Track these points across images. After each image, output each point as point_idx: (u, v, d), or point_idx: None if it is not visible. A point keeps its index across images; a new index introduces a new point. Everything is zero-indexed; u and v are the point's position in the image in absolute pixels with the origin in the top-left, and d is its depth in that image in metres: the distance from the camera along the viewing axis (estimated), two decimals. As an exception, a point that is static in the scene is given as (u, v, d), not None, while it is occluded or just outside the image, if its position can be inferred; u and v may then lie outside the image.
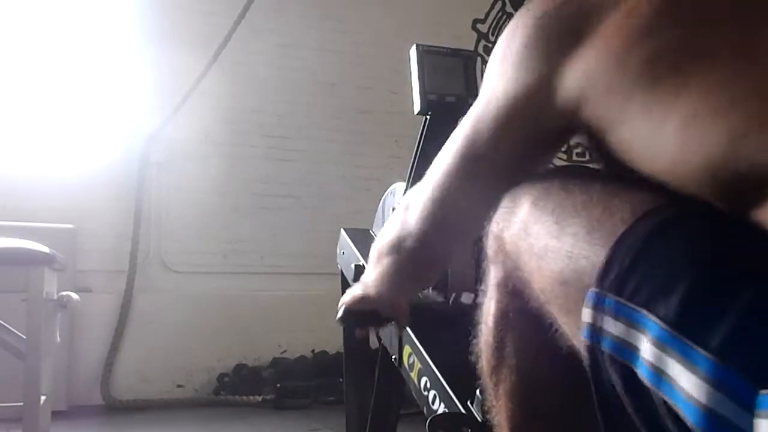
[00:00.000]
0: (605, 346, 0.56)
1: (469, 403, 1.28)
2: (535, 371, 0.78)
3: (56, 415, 2.46)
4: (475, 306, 0.89)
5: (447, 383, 1.37)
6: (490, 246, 0.78)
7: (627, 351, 0.54)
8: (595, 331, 0.57)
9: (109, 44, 3.78)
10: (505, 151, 0.80)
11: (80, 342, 3.43)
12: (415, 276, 1.03)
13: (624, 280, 0.55)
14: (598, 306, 0.57)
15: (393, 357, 1.59)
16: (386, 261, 0.99)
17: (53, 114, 3.72)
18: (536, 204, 0.70)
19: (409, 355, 1.52)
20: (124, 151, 3.76)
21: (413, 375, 1.49)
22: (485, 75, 0.83)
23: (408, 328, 1.54)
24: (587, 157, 4.02)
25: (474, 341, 0.88)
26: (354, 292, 1.08)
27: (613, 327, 0.55)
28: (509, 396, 0.80)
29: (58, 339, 2.07)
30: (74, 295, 2.07)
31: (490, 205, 0.78)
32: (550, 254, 0.65)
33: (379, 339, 1.71)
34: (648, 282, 0.53)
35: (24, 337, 1.87)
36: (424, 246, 0.93)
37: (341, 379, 1.96)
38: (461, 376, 1.40)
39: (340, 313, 1.08)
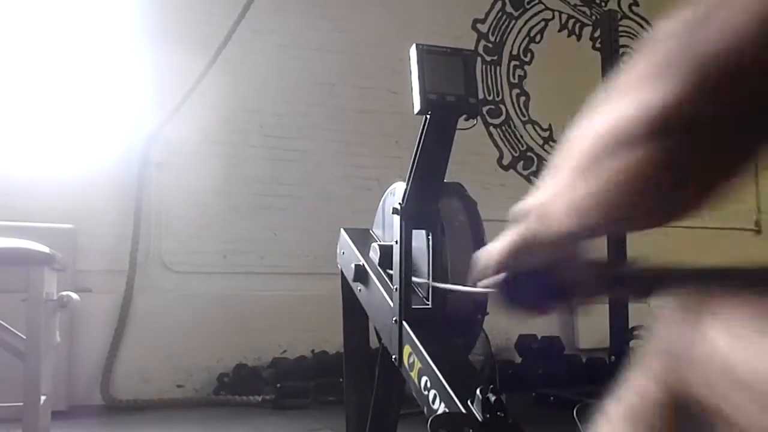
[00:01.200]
0: None
1: (469, 402, 1.28)
2: None
3: (56, 415, 2.46)
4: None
5: (447, 383, 1.37)
6: (653, 363, 0.57)
7: None
8: None
9: (110, 44, 3.78)
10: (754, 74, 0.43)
11: (80, 342, 3.43)
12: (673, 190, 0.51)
13: None
14: None
15: (393, 357, 1.59)
16: (619, 161, 0.50)
17: (53, 114, 3.72)
18: (739, 315, 0.50)
19: (409, 355, 1.52)
20: (124, 151, 3.77)
21: (413, 375, 1.49)
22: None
23: (408, 328, 1.54)
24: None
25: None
26: (528, 227, 0.65)
27: None
28: None
29: (59, 339, 2.07)
30: (74, 295, 2.07)
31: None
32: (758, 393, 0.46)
33: (379, 339, 1.71)
34: None
35: (24, 337, 1.87)
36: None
37: (341, 379, 1.95)
38: (461, 376, 1.41)
39: (493, 279, 0.70)
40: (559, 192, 0.58)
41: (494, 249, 0.69)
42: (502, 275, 0.67)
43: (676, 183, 0.49)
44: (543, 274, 0.66)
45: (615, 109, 0.50)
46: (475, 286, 0.72)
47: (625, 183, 0.50)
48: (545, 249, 0.64)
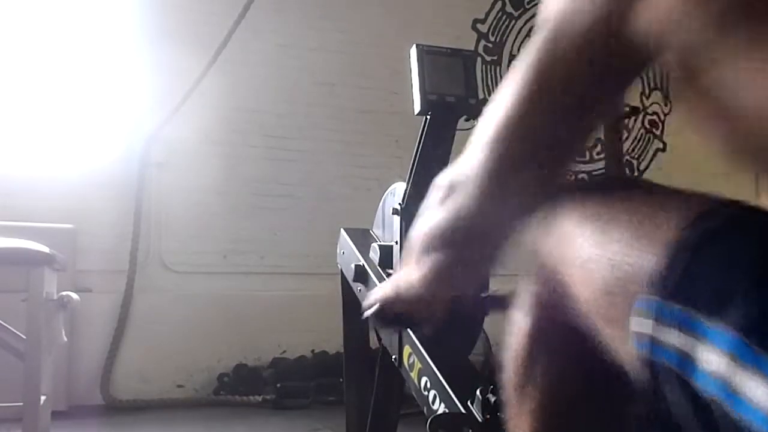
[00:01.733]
0: (662, 357, 0.52)
1: (469, 403, 1.28)
2: (566, 390, 0.72)
3: (56, 415, 2.46)
4: (497, 302, 0.85)
5: (447, 383, 1.37)
6: (527, 254, 0.73)
7: (686, 362, 0.49)
8: (649, 341, 0.52)
9: (109, 44, 3.79)
10: (580, 79, 0.65)
11: (80, 342, 3.43)
12: (471, 271, 0.85)
13: (681, 285, 0.50)
14: (651, 314, 0.52)
15: (393, 357, 1.59)
16: (432, 259, 0.81)
17: (53, 114, 3.72)
18: (577, 213, 0.65)
19: (409, 355, 1.52)
20: (124, 151, 3.77)
21: (413, 375, 1.49)
22: (542, 7, 0.69)
23: (408, 328, 1.54)
24: (587, 158, 4.00)
25: (498, 351, 0.83)
26: (387, 291, 0.95)
27: (669, 336, 0.50)
28: (534, 414, 0.74)
29: (65, 338, 2.07)
30: (74, 295, 2.07)
31: (563, 156, 0.69)
32: (594, 263, 0.60)
33: (379, 339, 1.71)
34: (711, 287, 0.49)
35: (24, 337, 1.87)
36: (481, 233, 0.75)
37: (341, 379, 1.95)
38: (461, 376, 1.41)
39: (372, 311, 0.98)
40: (409, 270, 0.86)
41: (376, 296, 0.99)
42: (375, 310, 0.99)
43: (461, 272, 0.82)
44: (401, 312, 0.98)
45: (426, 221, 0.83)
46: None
47: (439, 271, 0.81)
48: (403, 302, 0.93)
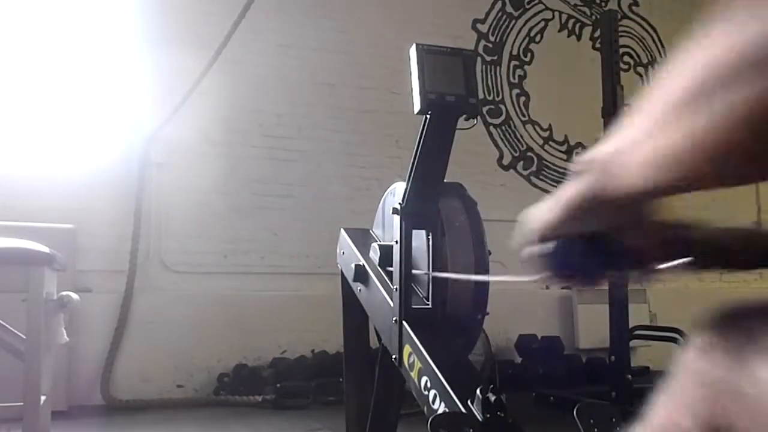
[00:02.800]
0: None
1: (469, 402, 1.28)
2: None
3: (56, 415, 2.46)
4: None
5: (447, 383, 1.37)
6: (687, 378, 0.51)
7: None
8: None
9: (110, 45, 3.78)
10: None
11: (80, 342, 3.43)
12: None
13: None
14: None
15: (393, 357, 1.59)
16: (726, 100, 0.40)
17: (53, 114, 3.72)
18: None
19: (409, 355, 1.52)
20: (124, 151, 3.77)
21: (413, 375, 1.49)
22: None
23: (408, 328, 1.54)
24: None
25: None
26: (602, 162, 0.52)
27: None
28: None
29: (66, 338, 2.07)
30: (74, 295, 2.07)
31: None
32: None
33: (379, 339, 1.71)
34: None
35: (24, 337, 1.87)
36: None
37: (341, 379, 1.95)
38: (461, 376, 1.41)
39: (548, 248, 0.58)
40: (637, 140, 0.47)
41: (547, 208, 0.57)
42: (555, 242, 0.56)
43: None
44: (604, 239, 0.56)
45: (726, 36, 0.40)
46: (521, 253, 0.60)
47: (742, 123, 0.39)
48: (611, 208, 0.53)
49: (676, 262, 0.58)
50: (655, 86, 0.45)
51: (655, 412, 0.54)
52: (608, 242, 0.55)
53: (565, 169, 4.46)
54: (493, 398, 1.25)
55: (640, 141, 0.47)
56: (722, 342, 0.49)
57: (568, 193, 0.54)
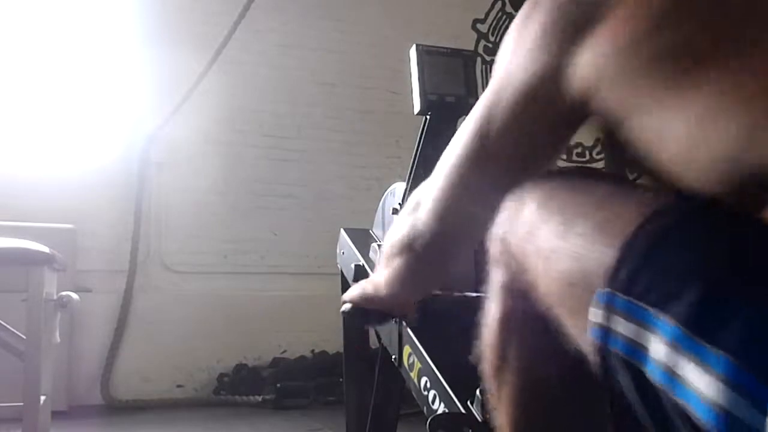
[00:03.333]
0: (614, 346, 0.55)
1: (469, 402, 1.28)
2: (539, 375, 0.77)
3: (56, 415, 2.46)
4: (477, 303, 0.87)
5: (447, 383, 1.37)
6: (495, 248, 0.77)
7: (637, 351, 0.53)
8: (604, 331, 0.56)
9: (110, 44, 3.78)
10: (518, 138, 0.78)
11: (80, 342, 3.43)
12: (426, 276, 1.02)
13: (634, 279, 0.54)
14: (607, 306, 0.56)
15: (393, 357, 1.59)
16: (398, 261, 0.98)
17: (53, 114, 3.72)
18: (542, 205, 0.69)
19: (409, 355, 1.52)
20: (124, 151, 3.77)
21: (413, 375, 1.49)
22: (497, 61, 0.81)
23: (408, 328, 1.54)
24: (587, 158, 4.00)
25: (476, 343, 0.87)
26: (363, 289, 1.07)
27: (622, 327, 0.54)
28: (512, 399, 0.79)
29: (58, 339, 2.07)
30: (74, 295, 2.07)
31: (501, 200, 0.76)
32: (557, 255, 0.64)
33: (379, 339, 1.71)
34: (660, 281, 0.52)
35: (24, 337, 1.87)
36: (434, 245, 0.91)
37: (341, 379, 1.95)
38: (461, 376, 1.41)
39: (345, 308, 1.09)
40: (380, 272, 1.05)
41: (351, 295, 1.15)
42: (349, 306, 1.14)
43: (418, 276, 1.02)
44: (375, 312, 1.13)
45: (394, 232, 0.99)
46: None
47: (400, 273, 1.00)
48: (375, 301, 1.09)
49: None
50: (386, 242, 1.04)
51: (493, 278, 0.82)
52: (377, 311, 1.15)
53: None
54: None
55: (380, 272, 1.07)
56: (514, 195, 0.74)
57: (358, 291, 1.15)
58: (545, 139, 0.78)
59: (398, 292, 1.01)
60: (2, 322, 1.92)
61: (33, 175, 3.60)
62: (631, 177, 0.76)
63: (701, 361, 0.47)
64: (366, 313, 1.08)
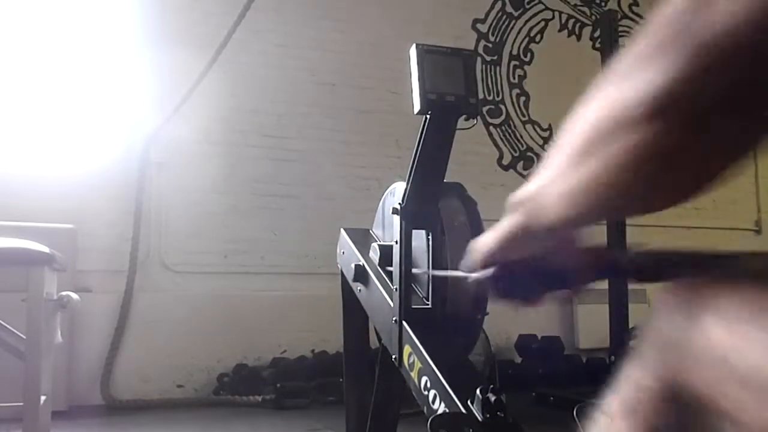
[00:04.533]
0: None
1: (469, 402, 1.28)
2: None
3: (56, 415, 2.46)
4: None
5: (447, 383, 1.37)
6: (650, 356, 0.56)
7: None
8: None
9: (110, 45, 3.79)
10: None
11: (80, 342, 3.43)
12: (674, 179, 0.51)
13: None
14: None
15: (393, 357, 1.59)
16: (610, 149, 0.49)
17: (53, 114, 3.72)
18: (739, 310, 0.50)
19: (409, 355, 1.52)
20: (124, 151, 3.77)
21: (413, 375, 1.49)
22: None
23: (408, 328, 1.54)
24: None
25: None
26: (519, 217, 0.63)
27: None
28: None
29: (60, 339, 2.07)
30: (74, 295, 2.07)
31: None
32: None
33: (379, 339, 1.71)
34: None
35: (24, 337, 1.87)
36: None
37: (341, 379, 1.95)
38: (461, 376, 1.41)
39: (487, 272, 0.68)
40: (553, 179, 0.57)
41: (488, 239, 0.67)
42: (493, 268, 0.67)
43: (675, 167, 0.48)
44: (536, 265, 0.65)
45: (612, 92, 0.49)
46: (468, 277, 0.71)
47: (622, 167, 0.49)
48: (539, 238, 0.63)
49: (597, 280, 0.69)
50: (567, 129, 0.55)
51: (625, 376, 0.59)
52: (541, 267, 0.65)
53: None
54: (493, 398, 1.25)
55: (553, 181, 0.57)
56: (675, 300, 0.54)
57: (503, 226, 0.65)
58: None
59: (593, 207, 0.55)
60: (2, 322, 1.92)
61: (33, 175, 3.60)
62: None
63: None
64: (515, 275, 0.67)
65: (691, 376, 0.53)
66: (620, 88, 0.48)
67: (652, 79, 0.45)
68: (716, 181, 0.48)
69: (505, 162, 4.82)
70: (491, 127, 4.80)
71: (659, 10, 0.47)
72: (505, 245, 0.65)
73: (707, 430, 0.52)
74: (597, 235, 0.67)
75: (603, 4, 5.33)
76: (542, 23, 5.09)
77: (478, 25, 4.86)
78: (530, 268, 0.66)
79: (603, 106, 0.50)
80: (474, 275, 0.69)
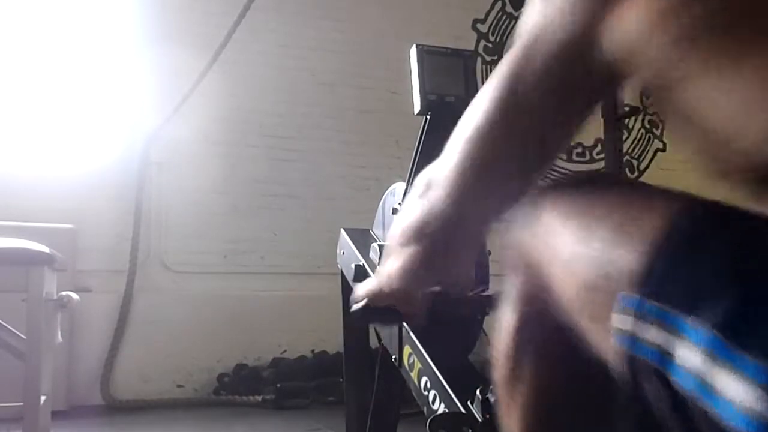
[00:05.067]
0: (641, 354, 0.53)
1: (469, 402, 1.28)
2: (553, 384, 0.74)
3: (56, 415, 2.46)
4: (488, 302, 0.85)
5: (447, 383, 1.37)
6: (512, 253, 0.74)
7: (665, 358, 0.51)
8: (630, 338, 0.54)
9: (110, 44, 3.79)
10: (550, 101, 0.71)
11: (80, 342, 3.43)
12: (439, 266, 0.88)
13: (664, 284, 0.52)
14: (634, 312, 0.53)
15: (393, 357, 1.59)
16: (408, 251, 0.85)
17: (53, 114, 3.72)
18: (560, 209, 0.67)
19: (409, 355, 1.52)
20: (124, 151, 3.77)
21: (413, 375, 1.49)
22: (522, 21, 0.74)
23: (408, 328, 1.54)
24: (587, 158, 4.00)
25: (485, 346, 0.86)
26: (371, 286, 0.97)
27: (651, 333, 0.52)
28: (524, 409, 0.76)
29: (60, 339, 2.07)
30: (74, 295, 2.07)
31: (524, 181, 0.73)
32: (577, 260, 0.62)
33: (379, 339, 1.71)
34: (692, 286, 0.50)
35: (24, 337, 1.87)
36: (449, 232, 0.80)
37: (341, 379, 1.95)
38: (461, 376, 1.41)
39: (357, 307, 1.00)
40: (388, 264, 0.89)
41: (362, 290, 1.00)
42: (362, 304, 1.00)
43: (430, 268, 0.86)
44: (390, 308, 0.97)
45: (402, 219, 0.86)
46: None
47: (410, 265, 0.85)
48: (386, 296, 0.93)
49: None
50: (393, 229, 0.91)
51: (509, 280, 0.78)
52: (391, 310, 0.99)
53: (564, 169, 4.45)
54: (492, 399, 1.25)
55: (385, 268, 0.93)
56: (525, 209, 0.72)
57: (371, 284, 0.99)
58: (578, 103, 0.71)
59: (408, 284, 0.88)
60: (2, 322, 1.92)
61: (33, 175, 3.60)
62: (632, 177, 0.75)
63: (737, 368, 0.45)
64: (372, 311, 0.99)
65: (533, 256, 0.70)
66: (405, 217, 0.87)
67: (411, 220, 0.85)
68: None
69: (505, 162, 4.81)
70: (491, 127, 4.79)
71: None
72: (371, 296, 0.98)
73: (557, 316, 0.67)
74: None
75: (603, 4, 5.32)
76: (542, 23, 5.09)
77: (478, 25, 4.85)
78: (385, 308, 0.98)
79: (401, 224, 0.86)
80: (352, 309, 1.04)
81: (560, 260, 0.65)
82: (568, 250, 0.63)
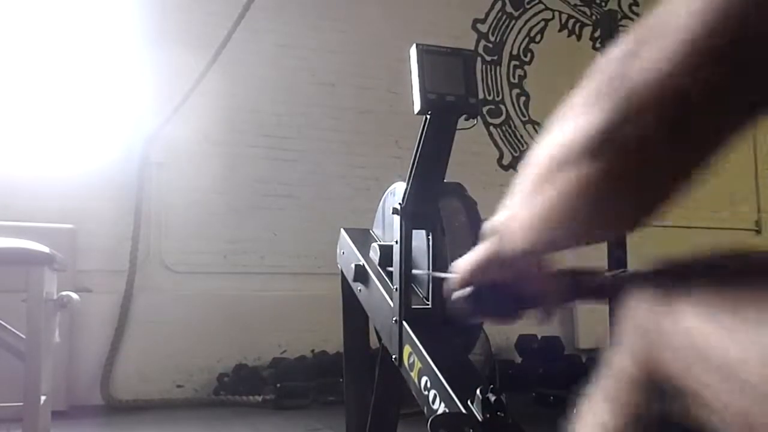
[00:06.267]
0: None
1: (469, 402, 1.28)
2: None
3: (56, 415, 2.46)
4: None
5: (447, 383, 1.36)
6: (636, 369, 0.59)
7: None
8: None
9: (110, 45, 3.79)
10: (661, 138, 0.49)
11: (80, 342, 3.43)
12: (620, 208, 0.55)
13: None
14: None
15: (393, 357, 1.59)
16: (564, 178, 0.54)
17: (53, 114, 3.72)
18: (706, 306, 0.53)
19: (409, 355, 1.52)
20: (124, 151, 3.77)
21: (413, 375, 1.49)
22: None
23: (408, 328, 1.54)
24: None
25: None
26: (489, 247, 0.69)
27: None
28: None
29: (58, 339, 2.07)
30: (74, 295, 2.07)
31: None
32: (749, 365, 0.49)
33: (379, 339, 1.71)
34: None
35: (24, 337, 1.87)
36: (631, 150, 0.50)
37: (341, 379, 1.95)
38: (461, 376, 1.41)
39: (463, 294, 0.74)
40: (517, 210, 0.62)
41: (465, 263, 0.74)
42: (469, 289, 0.73)
43: (614, 197, 0.53)
44: (506, 287, 0.71)
45: (562, 132, 0.55)
46: (449, 297, 0.77)
47: (570, 198, 0.54)
48: (509, 264, 0.69)
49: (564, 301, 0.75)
50: (530, 158, 0.59)
51: (608, 362, 0.62)
52: (512, 289, 0.71)
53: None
54: (493, 398, 1.25)
55: (517, 212, 0.62)
56: (655, 293, 0.58)
57: (479, 252, 0.71)
58: (692, 143, 0.50)
59: (559, 232, 0.58)
60: (2, 322, 1.92)
61: (33, 175, 3.60)
62: None
63: None
64: (488, 296, 0.72)
65: (667, 362, 0.56)
66: (567, 129, 0.54)
67: (589, 121, 0.51)
68: (658, 210, 0.53)
69: (505, 162, 4.82)
70: (491, 127, 4.80)
71: (601, 59, 0.54)
72: (479, 269, 0.72)
73: (683, 414, 0.55)
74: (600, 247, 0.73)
75: (603, 4, 5.33)
76: (542, 23, 5.09)
77: (478, 25, 4.86)
78: (503, 290, 0.72)
79: (553, 144, 0.56)
80: (454, 296, 0.75)
81: (718, 361, 0.51)
82: (734, 354, 0.50)
